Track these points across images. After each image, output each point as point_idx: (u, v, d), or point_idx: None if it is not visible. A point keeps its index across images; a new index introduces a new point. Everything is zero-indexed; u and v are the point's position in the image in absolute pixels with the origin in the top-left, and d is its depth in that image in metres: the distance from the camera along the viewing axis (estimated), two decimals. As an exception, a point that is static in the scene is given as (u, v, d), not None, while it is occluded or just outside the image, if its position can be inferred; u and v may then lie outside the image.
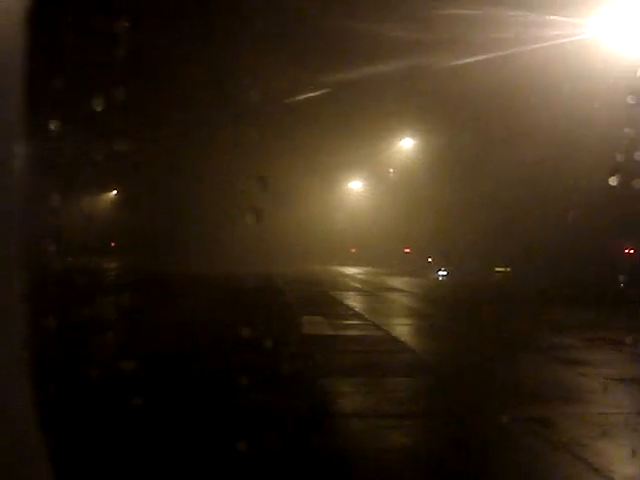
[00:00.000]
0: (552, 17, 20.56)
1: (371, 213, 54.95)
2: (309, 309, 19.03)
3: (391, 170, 51.21)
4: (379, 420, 7.27)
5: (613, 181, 16.10)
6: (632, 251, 26.45)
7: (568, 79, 24.91)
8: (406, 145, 51.27)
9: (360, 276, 41.93)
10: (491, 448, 6.47)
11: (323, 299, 23.07)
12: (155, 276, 30.05)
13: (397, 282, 35.10)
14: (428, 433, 6.93)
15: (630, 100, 13.59)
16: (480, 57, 23.98)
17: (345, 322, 16.38)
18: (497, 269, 42.94)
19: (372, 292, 28.54)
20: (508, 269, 43.22)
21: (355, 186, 61.56)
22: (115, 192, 55.82)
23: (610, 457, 6.18)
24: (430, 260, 48.16)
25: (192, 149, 49.12)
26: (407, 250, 52.89)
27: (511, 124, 34.18)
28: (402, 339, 13.78)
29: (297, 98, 35.53)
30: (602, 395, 8.94)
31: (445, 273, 42.88)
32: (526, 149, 33.89)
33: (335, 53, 31.33)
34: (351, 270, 48.13)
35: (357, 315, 18.37)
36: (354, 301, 23.41)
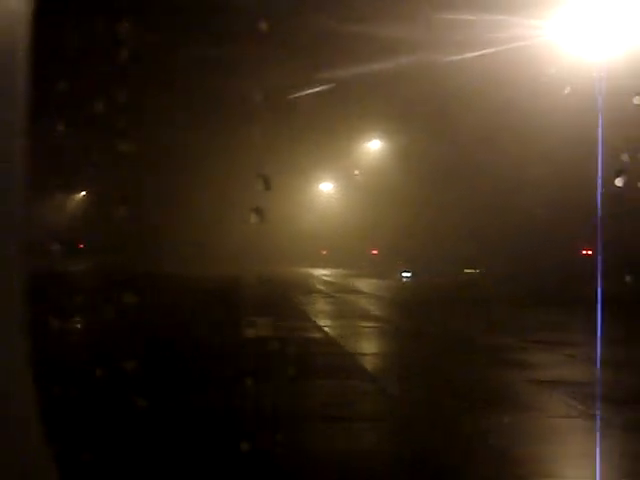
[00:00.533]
0: (513, 19, 20.37)
1: (342, 215, 54.70)
2: (262, 311, 18.63)
3: (356, 172, 51.04)
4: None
5: (620, 182, 15.87)
6: (590, 252, 26.48)
7: (533, 81, 24.85)
8: (376, 147, 51.17)
9: (326, 278, 41.72)
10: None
11: (280, 302, 22.68)
12: (125, 275, 29.66)
13: (360, 284, 34.86)
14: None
15: (636, 101, 13.15)
16: (453, 58, 23.90)
17: (289, 324, 16.07)
18: (466, 270, 42.92)
19: (331, 294, 28.32)
20: (477, 271, 43.23)
21: (326, 187, 61.26)
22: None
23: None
24: (398, 262, 47.93)
25: (178, 147, 48.41)
26: (374, 252, 52.64)
27: (479, 127, 34.17)
28: (339, 341, 13.51)
29: (273, 98, 35.12)
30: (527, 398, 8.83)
31: (409, 275, 42.72)
32: (494, 152, 33.89)
33: (313, 54, 30.92)
34: (319, 272, 47.89)
35: (305, 318, 18.11)
36: (309, 303, 23.17)
